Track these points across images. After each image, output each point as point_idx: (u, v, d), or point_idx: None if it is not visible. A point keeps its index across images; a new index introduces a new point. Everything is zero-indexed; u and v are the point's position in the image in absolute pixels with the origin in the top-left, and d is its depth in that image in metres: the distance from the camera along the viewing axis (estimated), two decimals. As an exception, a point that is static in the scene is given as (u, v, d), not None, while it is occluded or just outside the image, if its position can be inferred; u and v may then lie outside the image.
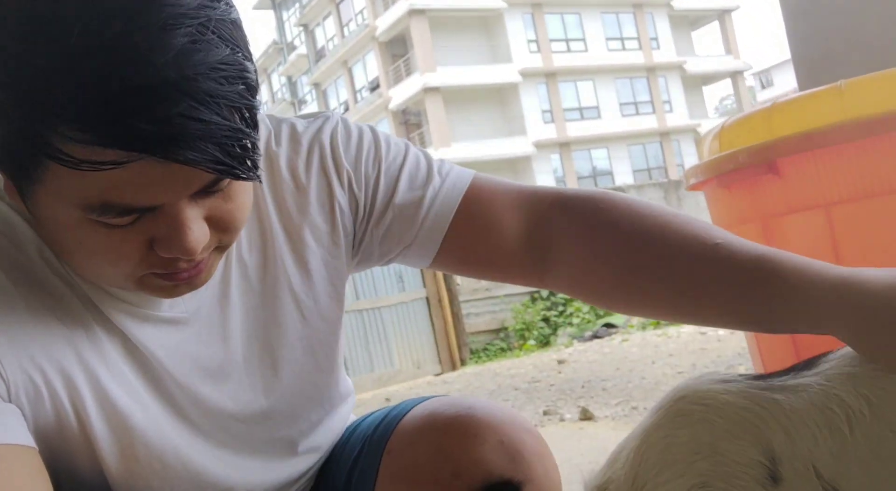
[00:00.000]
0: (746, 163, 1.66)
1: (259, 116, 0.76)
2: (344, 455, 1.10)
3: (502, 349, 10.44)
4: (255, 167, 0.73)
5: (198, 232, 0.74)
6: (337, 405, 1.09)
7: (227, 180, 0.75)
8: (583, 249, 0.93)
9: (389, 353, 8.95)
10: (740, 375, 0.81)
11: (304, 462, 1.05)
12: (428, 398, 1.10)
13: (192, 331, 0.91)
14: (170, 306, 0.89)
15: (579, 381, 6.23)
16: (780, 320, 0.80)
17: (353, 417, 1.23)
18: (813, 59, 2.33)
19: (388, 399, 7.21)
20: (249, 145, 0.71)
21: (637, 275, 0.90)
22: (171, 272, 0.78)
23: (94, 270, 0.79)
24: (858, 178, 1.55)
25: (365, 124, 1.03)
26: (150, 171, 0.68)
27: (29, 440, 0.77)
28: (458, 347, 9.55)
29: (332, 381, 1.05)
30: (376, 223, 0.99)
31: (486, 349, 10.44)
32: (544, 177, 26.65)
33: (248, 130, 0.70)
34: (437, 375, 9.09)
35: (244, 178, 0.72)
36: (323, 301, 0.98)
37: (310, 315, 0.97)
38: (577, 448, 3.63)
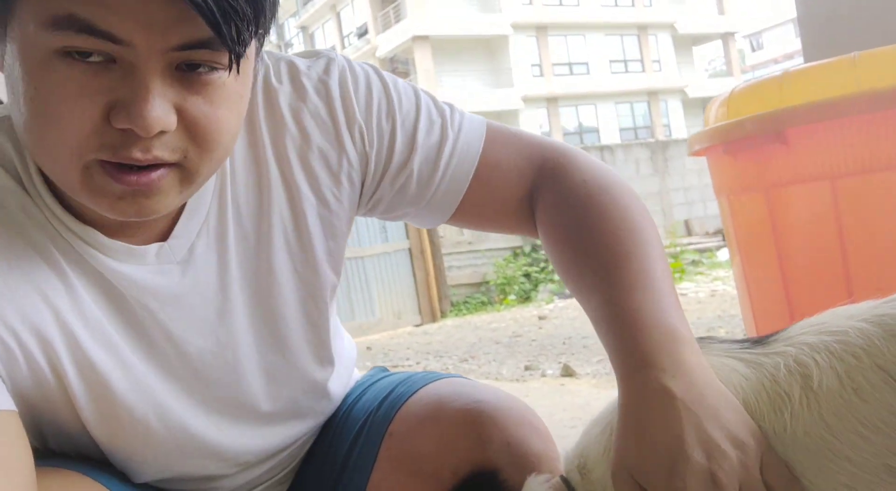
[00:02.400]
0: (754, 131, 1.65)
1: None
2: (346, 427, 1.07)
3: (483, 303, 10.51)
4: (242, 45, 0.68)
5: (160, 108, 0.67)
6: (335, 366, 1.04)
7: (216, 69, 0.70)
8: (548, 220, 0.94)
9: (371, 302, 8.98)
10: (704, 338, 0.81)
11: (299, 426, 1.02)
12: (436, 377, 1.06)
13: (188, 278, 0.87)
14: (161, 253, 0.85)
15: (560, 337, 6.29)
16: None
17: (357, 375, 1.21)
18: (819, 20, 2.32)
19: (368, 348, 7.25)
20: (249, 14, 0.67)
21: (565, 266, 0.91)
22: (119, 164, 0.70)
23: (48, 149, 0.71)
24: (867, 152, 1.55)
25: (367, 65, 0.97)
26: None
27: (5, 402, 0.74)
28: (438, 299, 9.60)
29: (328, 339, 1.01)
30: (391, 181, 0.95)
31: (466, 302, 10.50)
32: (531, 131, 26.47)
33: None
34: (418, 325, 9.14)
35: (223, 44, 0.67)
36: (319, 256, 0.94)
37: (304, 268, 0.93)
38: (560, 404, 3.67)
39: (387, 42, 27.17)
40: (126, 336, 0.85)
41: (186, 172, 0.74)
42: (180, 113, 0.70)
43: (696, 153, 1.90)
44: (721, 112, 1.82)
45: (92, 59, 0.67)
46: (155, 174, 0.71)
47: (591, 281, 0.85)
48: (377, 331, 8.78)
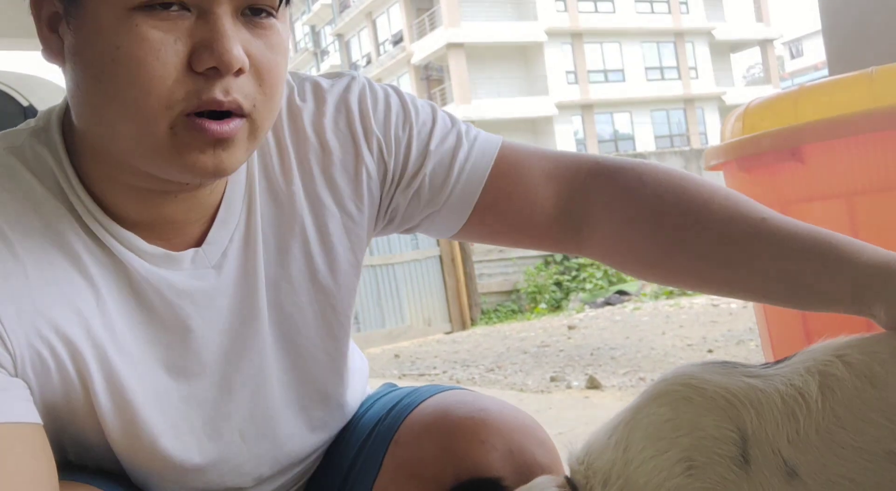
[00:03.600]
0: (769, 147, 1.62)
1: None
2: (353, 437, 1.08)
3: (513, 311, 10.48)
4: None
5: (237, 46, 0.74)
6: (349, 380, 1.06)
7: (273, 15, 0.78)
8: (623, 220, 0.92)
9: (401, 309, 9.00)
10: (721, 362, 0.83)
11: (315, 439, 1.03)
12: (442, 389, 1.07)
13: (221, 282, 0.89)
14: (196, 258, 0.87)
15: (588, 348, 6.25)
16: (822, 297, 0.80)
17: (369, 390, 1.21)
18: (844, 34, 2.27)
19: (396, 355, 7.26)
20: None
21: (680, 249, 0.88)
22: (203, 111, 0.75)
23: (133, 113, 0.75)
24: (884, 169, 1.52)
25: (388, 85, 1.01)
26: None
27: (32, 416, 0.76)
28: (469, 307, 9.60)
29: (345, 351, 1.02)
30: (405, 188, 0.97)
31: (496, 310, 10.48)
32: (565, 138, 26.45)
33: None
34: (448, 333, 9.14)
35: None
36: (341, 267, 0.96)
37: (324, 279, 0.95)
38: (582, 417, 3.64)
39: (421, 49, 27.29)
40: (152, 348, 0.87)
41: (254, 125, 0.79)
42: (248, 57, 0.76)
43: (713, 168, 1.88)
44: (737, 127, 1.79)
45: (172, 9, 0.73)
46: (233, 123, 0.76)
47: (739, 252, 0.84)
48: (407, 338, 8.79)
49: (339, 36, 32.92)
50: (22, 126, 0.88)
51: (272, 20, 0.78)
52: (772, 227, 0.83)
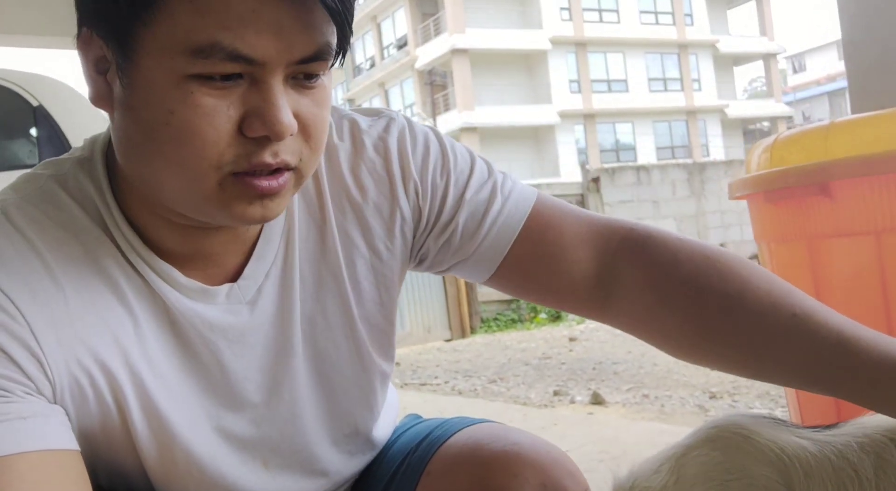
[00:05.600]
0: (798, 182, 1.63)
1: None
2: (382, 469, 1.08)
3: (513, 320, 10.48)
4: (344, 56, 0.79)
5: (288, 114, 0.75)
6: (381, 414, 1.07)
7: (320, 75, 0.78)
8: (654, 300, 0.91)
9: (401, 315, 9.00)
10: (771, 416, 0.84)
11: (344, 472, 1.03)
12: (472, 422, 1.08)
13: (255, 318, 0.89)
14: (231, 293, 0.88)
15: (590, 361, 6.25)
16: (845, 393, 0.81)
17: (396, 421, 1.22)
18: (867, 71, 2.28)
19: (397, 363, 7.25)
20: (348, 32, 0.77)
21: (711, 336, 0.88)
22: (252, 172, 0.76)
23: (182, 170, 0.76)
24: (913, 208, 1.53)
25: (428, 127, 1.01)
26: (268, 14, 0.71)
27: (71, 443, 0.77)
28: (469, 315, 9.60)
29: (380, 387, 1.03)
30: (437, 235, 0.98)
31: (496, 319, 10.47)
32: (567, 147, 26.47)
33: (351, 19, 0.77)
34: (447, 340, 9.15)
35: (342, 44, 0.77)
36: (368, 306, 0.96)
37: (356, 316, 0.96)
38: (589, 435, 3.64)
39: (426, 54, 27.31)
40: (187, 377, 0.87)
41: (299, 175, 0.81)
42: (296, 117, 0.77)
43: (738, 198, 1.88)
44: (763, 158, 1.80)
45: (228, 79, 0.74)
46: (282, 179, 0.78)
47: (771, 343, 0.84)
48: (406, 345, 8.79)
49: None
50: (67, 155, 0.89)
51: (322, 78, 0.79)
52: (801, 325, 0.82)
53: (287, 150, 0.77)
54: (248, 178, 0.76)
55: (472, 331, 9.58)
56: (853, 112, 2.16)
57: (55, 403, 0.78)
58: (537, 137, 26.73)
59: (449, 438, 1.04)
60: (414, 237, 0.98)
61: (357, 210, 0.94)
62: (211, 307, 0.87)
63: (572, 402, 4.76)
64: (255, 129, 0.74)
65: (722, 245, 14.02)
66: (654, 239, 0.94)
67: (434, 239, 0.98)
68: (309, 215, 0.93)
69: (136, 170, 0.80)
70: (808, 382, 0.83)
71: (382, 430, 1.10)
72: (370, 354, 0.98)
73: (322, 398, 0.96)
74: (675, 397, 4.62)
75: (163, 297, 0.84)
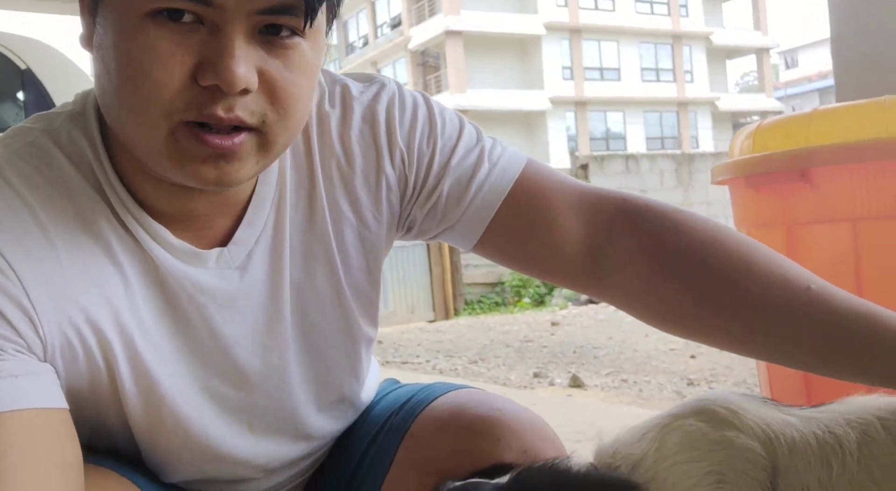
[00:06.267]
0: (779, 167, 1.65)
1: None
2: (364, 429, 1.10)
3: (496, 303, 10.52)
4: (314, 15, 0.75)
5: (244, 66, 0.72)
6: (364, 381, 1.08)
7: (297, 36, 0.76)
8: (655, 272, 0.90)
9: (385, 295, 9.00)
10: (759, 396, 0.85)
11: (327, 435, 1.05)
12: (455, 387, 1.08)
13: (244, 284, 0.90)
14: (221, 258, 0.88)
15: (571, 345, 6.30)
16: (861, 373, 0.80)
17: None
18: (854, 61, 2.31)
19: (380, 341, 7.28)
20: None
21: (716, 309, 0.87)
22: (203, 127, 0.74)
23: (137, 113, 0.75)
24: (890, 197, 1.55)
25: (419, 93, 1.00)
26: None
27: (61, 402, 0.77)
28: (453, 297, 9.63)
29: (365, 353, 1.04)
30: (423, 203, 0.98)
31: (480, 301, 10.51)
32: (557, 134, 26.46)
33: None
34: (431, 322, 9.17)
35: (301, 14, 0.74)
36: (356, 275, 0.97)
37: (344, 287, 0.96)
38: (567, 416, 3.67)
39: (419, 35, 27.18)
40: (176, 339, 0.88)
41: (264, 139, 0.78)
42: (261, 76, 0.75)
43: (720, 183, 1.91)
44: (746, 144, 1.82)
45: (184, 19, 0.72)
46: (237, 138, 0.75)
47: (776, 317, 0.83)
48: (389, 324, 8.81)
49: (337, 17, 32.68)
50: (58, 109, 0.89)
51: (296, 40, 0.77)
52: (819, 298, 0.81)
53: (244, 108, 0.74)
54: (200, 132, 0.75)
55: (456, 313, 9.61)
56: (838, 100, 2.18)
57: (45, 361, 0.78)
58: (528, 123, 26.70)
59: (432, 401, 1.05)
60: (401, 206, 0.98)
61: (346, 179, 0.94)
62: (201, 270, 0.87)
63: (552, 384, 4.80)
64: (207, 78, 0.72)
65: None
66: (652, 209, 0.92)
67: (420, 207, 0.98)
68: (299, 183, 0.93)
69: (109, 118, 0.80)
70: (814, 362, 0.82)
71: (366, 394, 1.11)
72: (357, 322, 0.99)
73: (310, 365, 0.97)
74: (654, 383, 4.66)
75: (153, 257, 0.85)
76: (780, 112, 31.33)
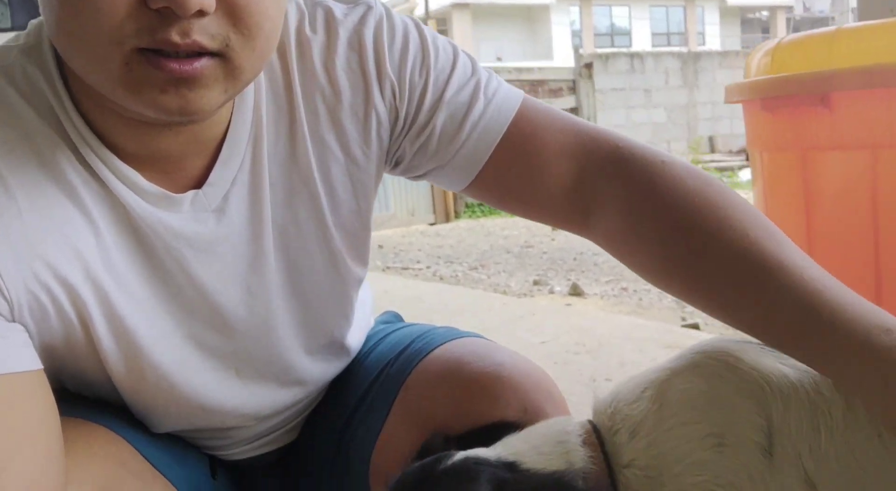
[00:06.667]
0: (797, 91, 1.58)
1: None
2: (359, 375, 1.07)
3: (497, 206, 10.48)
4: None
5: None
6: (354, 321, 1.05)
7: None
8: (625, 225, 0.87)
9: (385, 197, 8.96)
10: (757, 343, 0.81)
11: (317, 379, 1.03)
12: (455, 335, 1.05)
13: (222, 227, 0.85)
14: (196, 200, 0.82)
15: (572, 252, 6.29)
16: (801, 358, 0.75)
17: (372, 320, 1.20)
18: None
19: (380, 246, 7.28)
20: None
21: (681, 270, 0.83)
22: (159, 51, 0.67)
23: (87, 45, 0.68)
24: (913, 124, 1.49)
25: (408, 18, 0.93)
26: None
27: (32, 363, 0.74)
28: (453, 199, 9.58)
29: (354, 295, 1.01)
30: (413, 138, 0.92)
31: (481, 204, 10.47)
32: (561, 29, 25.82)
33: None
34: (431, 224, 9.16)
35: None
36: (345, 215, 0.92)
37: (331, 225, 0.91)
38: (565, 326, 3.69)
39: (426, 2, 26.13)
40: (153, 287, 0.84)
41: (230, 65, 0.71)
42: None
43: (733, 102, 1.83)
44: (764, 63, 1.74)
45: None
46: (198, 63, 0.68)
47: (736, 294, 0.78)
48: (390, 227, 8.79)
49: None
50: (10, 41, 0.81)
51: None
52: (768, 281, 0.75)
53: (202, 31, 0.67)
54: (155, 58, 0.67)
55: (457, 215, 9.59)
56: (860, 17, 2.08)
57: (13, 321, 0.74)
58: (531, 17, 26.02)
59: (430, 352, 1.02)
60: (390, 140, 0.92)
61: (332, 112, 0.88)
62: (175, 215, 0.82)
63: (551, 292, 4.81)
64: (156, 0, 0.65)
65: (710, 139, 13.93)
66: (636, 159, 0.87)
67: (410, 142, 0.92)
68: (278, 117, 0.86)
69: (60, 51, 0.73)
70: (768, 339, 0.78)
71: (357, 334, 1.09)
72: (345, 263, 0.95)
73: (297, 309, 0.94)
74: (654, 291, 4.67)
75: (123, 202, 0.79)
76: (790, 7, 30.55)
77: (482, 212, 10.09)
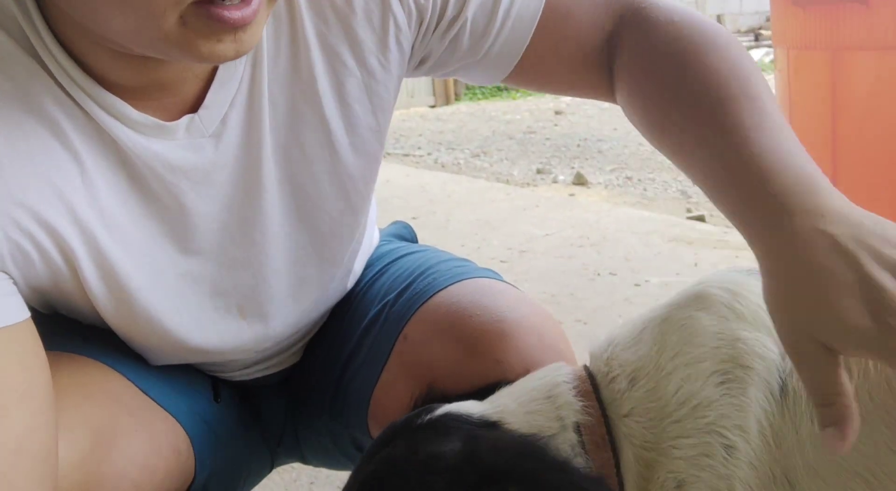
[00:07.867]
0: (834, -15, 1.47)
1: None
2: (361, 308, 1.03)
3: (498, 88, 10.25)
4: None
5: None
6: (360, 251, 1.01)
7: None
8: (629, 83, 0.83)
9: (384, 79, 8.78)
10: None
11: (317, 313, 0.99)
12: (458, 278, 0.98)
13: (220, 153, 0.79)
14: (191, 126, 0.76)
15: (575, 137, 6.19)
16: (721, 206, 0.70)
17: (376, 237, 1.15)
18: None
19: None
20: None
21: (666, 119, 0.77)
22: (211, 4, 0.63)
23: (128, 14, 0.63)
24: (956, 25, 1.39)
25: None
26: None
27: (18, 314, 0.69)
28: (454, 81, 9.38)
29: (365, 223, 0.96)
30: (442, 34, 0.85)
31: (481, 87, 10.25)
32: None
33: None
34: (431, 107, 9.01)
35: None
36: (361, 133, 0.85)
37: (341, 146, 0.85)
38: (569, 219, 3.65)
39: None
40: (146, 225, 0.78)
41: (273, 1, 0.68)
42: None
43: (760, -6, 1.72)
44: (797, -48, 1.62)
45: None
46: (255, 2, 0.65)
47: (696, 132, 0.73)
48: (389, 110, 8.66)
49: None
50: None
51: None
52: (715, 127, 0.71)
53: None
54: (213, 9, 0.62)
55: (457, 98, 9.41)
56: None
57: None
58: None
59: (431, 297, 0.97)
60: (414, 43, 0.85)
61: (343, 20, 0.80)
62: (169, 144, 0.76)
63: (555, 181, 4.75)
64: None
65: (718, 17, 13.55)
66: (644, 16, 0.83)
67: (439, 39, 0.85)
68: (278, 30, 0.79)
69: (75, 9, 0.65)
70: (704, 185, 0.73)
71: (361, 257, 1.05)
72: (357, 187, 0.89)
73: (304, 239, 0.88)
74: (658, 181, 4.62)
75: (112, 135, 0.73)
76: None
77: (483, 95, 9.89)
